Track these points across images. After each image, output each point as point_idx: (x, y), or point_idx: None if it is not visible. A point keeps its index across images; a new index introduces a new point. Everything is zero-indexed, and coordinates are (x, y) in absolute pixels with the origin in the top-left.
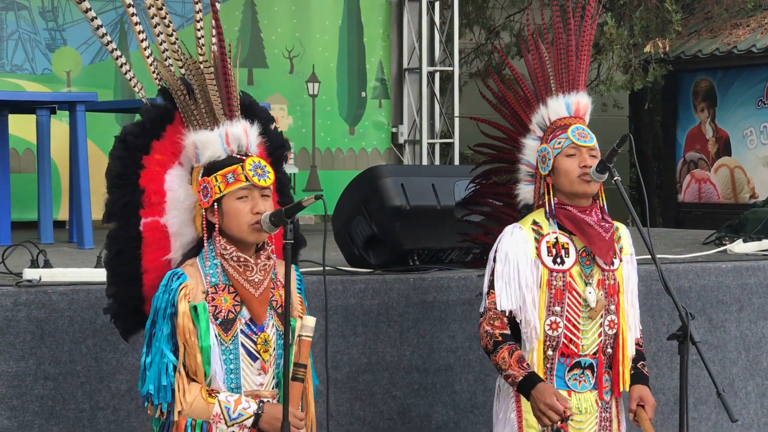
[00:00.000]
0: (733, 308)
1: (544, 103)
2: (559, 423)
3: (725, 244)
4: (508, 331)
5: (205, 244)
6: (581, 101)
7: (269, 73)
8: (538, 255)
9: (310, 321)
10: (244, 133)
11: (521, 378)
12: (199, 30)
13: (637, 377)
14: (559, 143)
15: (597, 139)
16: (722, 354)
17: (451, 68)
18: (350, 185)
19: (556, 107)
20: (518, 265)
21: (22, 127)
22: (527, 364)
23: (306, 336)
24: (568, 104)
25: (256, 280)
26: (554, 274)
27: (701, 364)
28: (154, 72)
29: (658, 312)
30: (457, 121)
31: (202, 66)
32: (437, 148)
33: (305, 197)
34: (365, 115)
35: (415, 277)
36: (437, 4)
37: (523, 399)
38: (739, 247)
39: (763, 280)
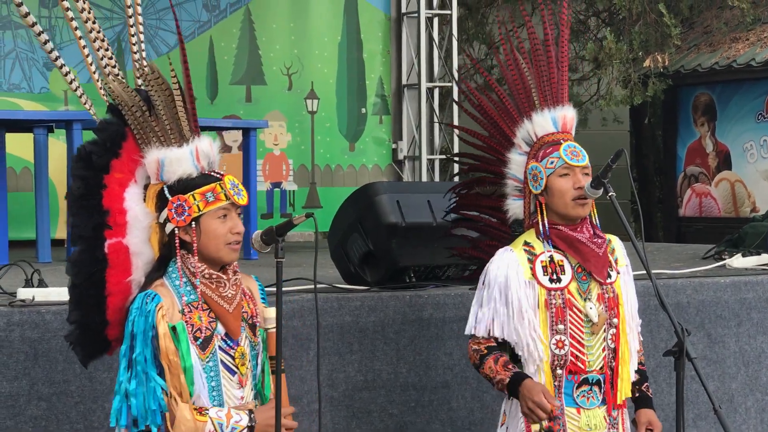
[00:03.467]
0: (731, 323)
1: (528, 117)
2: (547, 422)
3: (724, 259)
4: (494, 344)
5: (179, 263)
6: (567, 115)
7: (268, 90)
8: (534, 275)
9: (271, 312)
10: (210, 148)
11: (508, 379)
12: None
13: (643, 400)
14: (552, 162)
15: (598, 154)
16: (721, 369)
17: (450, 84)
18: (346, 202)
19: (542, 122)
20: (509, 289)
21: (19, 145)
22: (513, 366)
23: (272, 328)
24: (554, 119)
25: (229, 295)
26: (552, 293)
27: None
28: (101, 88)
29: (657, 327)
30: (456, 137)
31: (171, 86)
32: (437, 164)
33: (296, 215)
34: (366, 131)
35: (411, 294)
36: (436, 20)
37: None
38: (737, 261)
39: (762, 294)
